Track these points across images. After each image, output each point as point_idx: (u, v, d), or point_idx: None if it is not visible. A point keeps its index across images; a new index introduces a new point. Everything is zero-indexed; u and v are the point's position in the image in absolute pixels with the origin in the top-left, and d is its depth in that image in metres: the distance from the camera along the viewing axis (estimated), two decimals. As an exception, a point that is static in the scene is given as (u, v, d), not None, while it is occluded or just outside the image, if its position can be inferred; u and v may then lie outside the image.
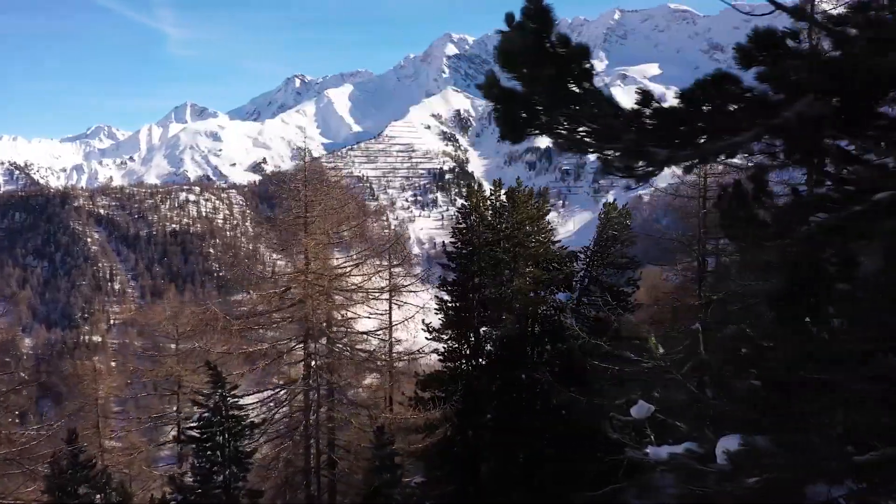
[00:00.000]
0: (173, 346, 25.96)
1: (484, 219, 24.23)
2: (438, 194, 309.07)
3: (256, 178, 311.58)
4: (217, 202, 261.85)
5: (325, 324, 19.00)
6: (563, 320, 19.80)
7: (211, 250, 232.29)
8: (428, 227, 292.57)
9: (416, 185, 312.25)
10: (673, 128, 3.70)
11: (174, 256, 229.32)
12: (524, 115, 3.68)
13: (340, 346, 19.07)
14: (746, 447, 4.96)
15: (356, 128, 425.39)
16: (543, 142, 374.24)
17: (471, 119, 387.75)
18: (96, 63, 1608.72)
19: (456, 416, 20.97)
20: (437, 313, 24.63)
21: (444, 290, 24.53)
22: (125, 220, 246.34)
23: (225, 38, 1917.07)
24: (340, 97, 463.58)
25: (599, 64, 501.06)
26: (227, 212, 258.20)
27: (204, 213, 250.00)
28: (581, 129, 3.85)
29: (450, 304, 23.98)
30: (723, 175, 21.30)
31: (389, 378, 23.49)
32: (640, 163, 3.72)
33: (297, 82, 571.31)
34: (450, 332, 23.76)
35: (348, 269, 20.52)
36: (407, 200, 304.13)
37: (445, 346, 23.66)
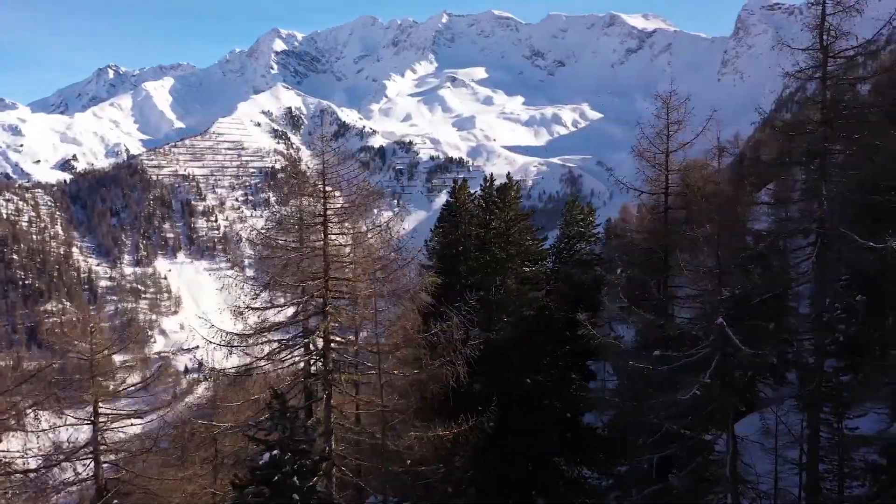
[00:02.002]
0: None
1: (473, 216, 22.50)
2: (270, 193, 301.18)
3: (66, 176, 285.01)
4: (20, 203, 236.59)
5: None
6: (579, 318, 18.96)
7: (14, 256, 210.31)
8: (260, 228, 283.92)
9: (247, 184, 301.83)
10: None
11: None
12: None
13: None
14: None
15: (178, 123, 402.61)
16: (377, 141, 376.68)
17: (303, 117, 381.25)
18: None
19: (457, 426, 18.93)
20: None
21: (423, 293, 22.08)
22: None
23: (23, 22, 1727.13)
24: (160, 91, 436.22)
25: (429, 66, 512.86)
26: (32, 214, 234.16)
27: (5, 216, 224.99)
28: None
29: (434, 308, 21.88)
30: (687, 171, 22.65)
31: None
32: None
33: (111, 73, 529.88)
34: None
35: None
36: (237, 200, 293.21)
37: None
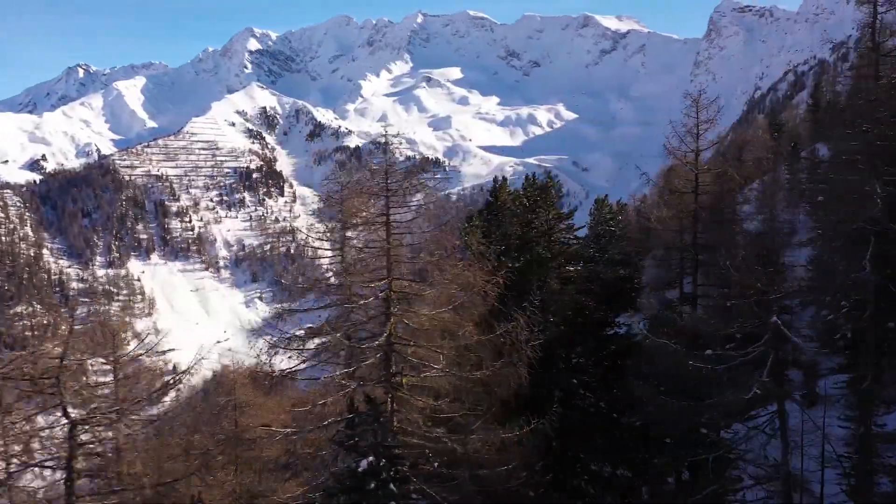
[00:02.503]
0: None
1: (515, 215, 21.97)
2: (246, 194, 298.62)
3: (36, 176, 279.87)
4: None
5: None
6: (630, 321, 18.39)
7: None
8: (236, 229, 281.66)
9: (222, 184, 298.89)
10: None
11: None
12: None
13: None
14: None
15: (151, 123, 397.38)
16: (353, 141, 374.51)
17: (278, 117, 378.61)
18: None
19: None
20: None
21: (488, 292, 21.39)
22: None
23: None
24: (132, 90, 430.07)
25: (404, 66, 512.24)
26: (1, 215, 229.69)
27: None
28: None
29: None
30: (715, 171, 22.48)
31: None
32: None
33: (81, 72, 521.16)
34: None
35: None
36: (212, 200, 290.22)
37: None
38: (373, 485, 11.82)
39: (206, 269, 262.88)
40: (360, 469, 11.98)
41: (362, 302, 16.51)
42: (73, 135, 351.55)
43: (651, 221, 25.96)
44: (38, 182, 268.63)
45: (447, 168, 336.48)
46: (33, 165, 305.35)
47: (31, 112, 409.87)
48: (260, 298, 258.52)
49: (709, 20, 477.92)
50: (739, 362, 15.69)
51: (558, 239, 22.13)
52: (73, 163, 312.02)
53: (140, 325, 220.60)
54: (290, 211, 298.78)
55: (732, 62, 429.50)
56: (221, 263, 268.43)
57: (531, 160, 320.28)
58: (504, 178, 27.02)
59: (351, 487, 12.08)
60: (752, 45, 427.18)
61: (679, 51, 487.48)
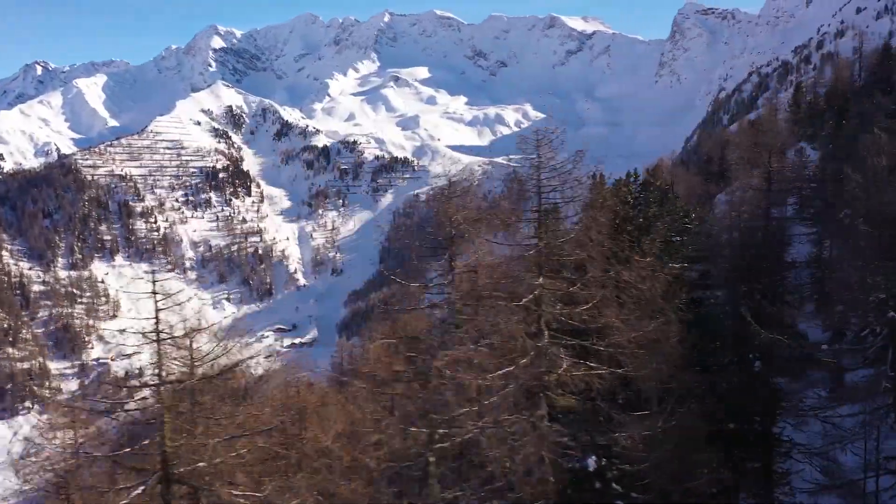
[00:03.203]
0: None
1: (617, 215, 21.34)
2: (212, 194, 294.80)
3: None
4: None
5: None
6: (744, 315, 18.32)
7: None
8: (202, 229, 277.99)
9: (188, 184, 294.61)
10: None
11: None
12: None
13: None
14: None
15: (112, 122, 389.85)
16: (321, 140, 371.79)
17: (244, 116, 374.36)
18: None
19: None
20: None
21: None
22: None
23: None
24: (92, 88, 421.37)
25: (371, 65, 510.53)
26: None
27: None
28: None
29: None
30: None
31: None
32: None
33: (39, 70, 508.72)
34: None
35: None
36: (177, 201, 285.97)
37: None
38: (598, 486, 11.44)
39: (172, 269, 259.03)
40: (588, 468, 11.50)
41: (515, 304, 15.90)
42: (32, 134, 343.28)
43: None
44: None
45: (416, 168, 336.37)
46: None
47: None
48: (228, 299, 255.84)
49: (673, 22, 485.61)
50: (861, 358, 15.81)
51: (662, 236, 21.42)
52: (32, 162, 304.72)
53: (105, 327, 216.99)
54: (258, 211, 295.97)
55: (696, 63, 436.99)
56: (188, 264, 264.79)
57: (500, 160, 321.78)
58: (602, 176, 26.24)
59: (576, 488, 11.50)
60: (716, 46, 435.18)
61: (644, 52, 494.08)
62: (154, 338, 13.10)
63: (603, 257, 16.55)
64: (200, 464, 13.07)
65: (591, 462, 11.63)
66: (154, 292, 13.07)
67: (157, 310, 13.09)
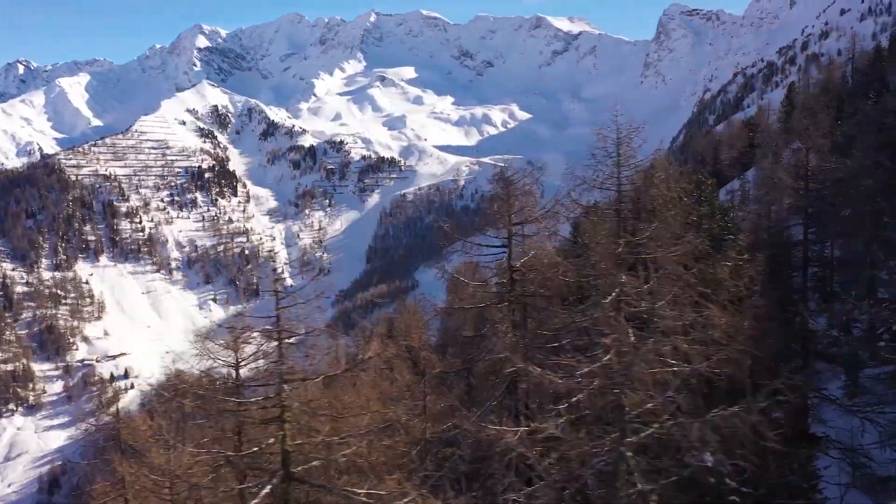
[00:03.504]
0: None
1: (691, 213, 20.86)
2: (198, 194, 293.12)
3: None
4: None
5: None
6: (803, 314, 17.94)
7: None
8: (188, 229, 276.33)
9: (173, 184, 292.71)
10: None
11: None
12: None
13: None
14: None
15: (96, 122, 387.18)
16: (307, 140, 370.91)
17: (230, 115, 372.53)
18: None
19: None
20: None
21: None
22: None
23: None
24: (75, 87, 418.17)
25: (358, 65, 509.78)
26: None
27: None
28: None
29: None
30: None
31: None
32: None
33: (21, 69, 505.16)
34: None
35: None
36: (163, 201, 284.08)
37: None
38: (713, 481, 11.15)
39: (158, 270, 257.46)
40: (708, 465, 11.20)
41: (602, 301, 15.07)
42: (14, 133, 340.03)
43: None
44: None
45: (403, 168, 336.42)
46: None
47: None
48: (214, 300, 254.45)
49: (658, 23, 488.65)
50: None
51: (716, 235, 21.25)
52: (15, 162, 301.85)
53: (89, 329, 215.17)
54: (244, 211, 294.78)
55: (681, 64, 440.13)
56: (173, 265, 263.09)
57: (486, 160, 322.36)
58: (683, 174, 25.72)
59: (693, 489, 11.36)
60: (701, 47, 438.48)
61: (629, 52, 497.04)
62: (275, 336, 13.23)
63: (682, 254, 16.25)
64: (315, 462, 13.23)
65: (708, 457, 11.33)
66: (276, 291, 13.13)
67: (279, 308, 13.14)
